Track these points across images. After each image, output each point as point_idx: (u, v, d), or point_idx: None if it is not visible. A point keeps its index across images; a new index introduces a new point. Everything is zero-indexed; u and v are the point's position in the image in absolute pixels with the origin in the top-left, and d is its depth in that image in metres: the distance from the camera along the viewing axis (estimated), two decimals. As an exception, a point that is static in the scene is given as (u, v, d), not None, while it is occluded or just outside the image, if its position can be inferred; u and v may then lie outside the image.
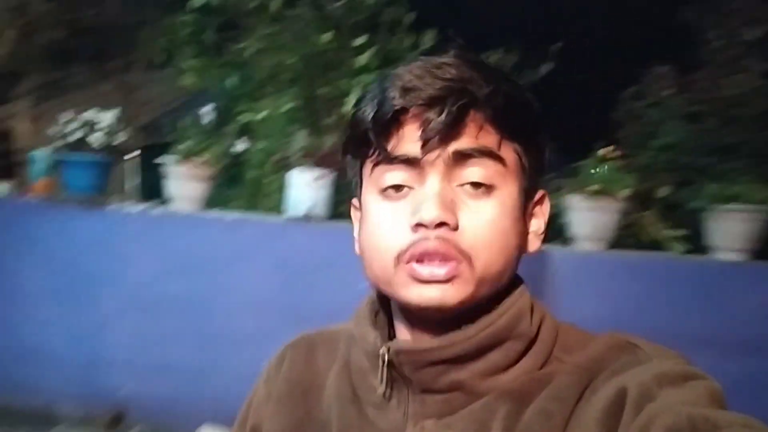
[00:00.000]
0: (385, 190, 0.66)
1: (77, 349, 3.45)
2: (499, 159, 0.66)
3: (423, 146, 0.63)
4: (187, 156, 3.28)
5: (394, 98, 0.64)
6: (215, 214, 3.43)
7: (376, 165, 0.67)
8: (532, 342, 0.68)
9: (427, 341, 0.67)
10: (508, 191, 0.67)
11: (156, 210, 3.47)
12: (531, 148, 0.69)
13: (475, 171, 0.65)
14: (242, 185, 3.86)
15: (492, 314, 0.67)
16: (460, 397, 0.66)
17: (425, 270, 0.63)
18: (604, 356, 0.66)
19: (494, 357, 0.66)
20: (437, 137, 0.63)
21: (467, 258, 0.64)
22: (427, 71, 0.64)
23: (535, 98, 0.70)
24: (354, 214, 0.74)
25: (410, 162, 0.65)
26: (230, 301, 3.25)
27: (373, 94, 0.66)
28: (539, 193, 0.73)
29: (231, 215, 3.45)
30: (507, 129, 0.66)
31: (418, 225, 0.63)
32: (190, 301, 3.29)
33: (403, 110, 0.64)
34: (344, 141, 0.71)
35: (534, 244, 0.72)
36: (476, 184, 0.65)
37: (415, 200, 0.64)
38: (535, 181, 0.71)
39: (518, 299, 0.69)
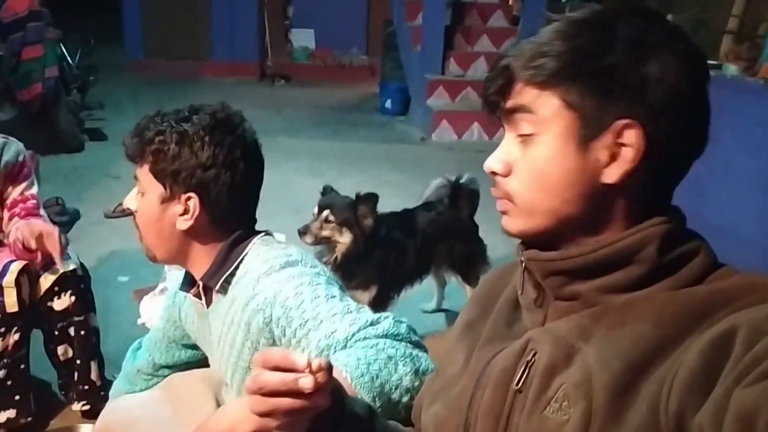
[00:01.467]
0: None
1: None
2: (533, 111, 0.74)
3: (483, 107, 0.81)
4: None
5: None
6: None
7: None
8: (665, 272, 0.72)
9: (549, 253, 0.77)
10: (552, 135, 0.74)
11: None
12: (580, 89, 0.72)
13: (517, 125, 0.77)
14: None
15: (612, 237, 0.73)
16: (579, 306, 0.76)
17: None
18: (727, 293, 0.68)
19: (615, 277, 0.74)
20: (493, 103, 0.79)
21: (510, 198, 0.77)
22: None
23: (581, 43, 0.71)
24: None
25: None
26: None
27: None
28: (617, 125, 0.73)
29: None
30: (538, 80, 0.73)
31: None
32: None
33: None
34: None
35: (611, 174, 0.74)
36: (520, 135, 0.77)
37: None
38: (601, 117, 0.73)
39: (647, 228, 0.73)
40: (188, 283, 1.42)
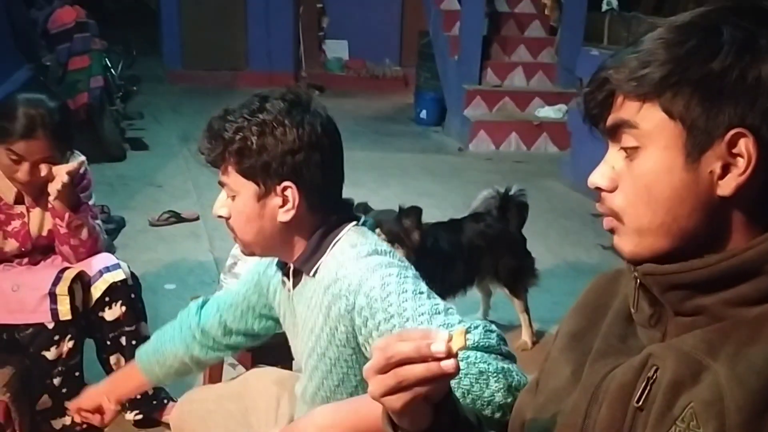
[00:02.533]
0: None
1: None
2: (636, 125, 0.72)
3: (584, 121, 0.79)
4: None
5: None
6: None
7: None
8: None
9: (669, 266, 0.73)
10: (657, 149, 0.71)
11: None
12: (684, 99, 0.69)
13: (622, 138, 0.74)
14: None
15: (738, 247, 0.69)
16: (704, 321, 0.72)
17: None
18: None
19: (744, 289, 0.69)
20: (595, 117, 0.77)
21: (617, 215, 0.74)
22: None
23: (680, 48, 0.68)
24: None
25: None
26: None
27: None
28: (728, 134, 0.69)
29: None
30: (640, 92, 0.71)
31: None
32: None
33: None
34: None
35: (727, 187, 0.70)
36: (624, 149, 0.74)
37: None
38: (709, 127, 0.69)
39: None
40: (283, 263, 1.38)
